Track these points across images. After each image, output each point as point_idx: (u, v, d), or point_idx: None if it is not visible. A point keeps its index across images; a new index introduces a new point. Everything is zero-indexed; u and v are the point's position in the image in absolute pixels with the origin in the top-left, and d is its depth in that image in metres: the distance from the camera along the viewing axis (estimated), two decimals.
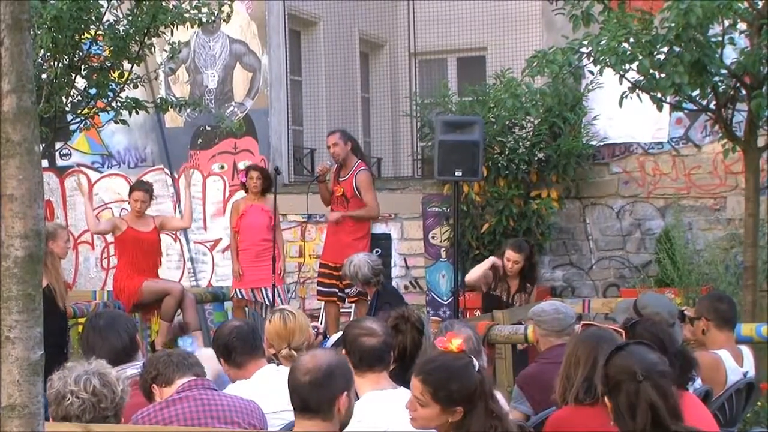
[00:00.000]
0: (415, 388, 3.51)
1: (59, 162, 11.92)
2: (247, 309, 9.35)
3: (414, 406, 3.52)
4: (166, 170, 11.60)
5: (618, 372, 3.34)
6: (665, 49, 7.32)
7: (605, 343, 3.91)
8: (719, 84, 7.63)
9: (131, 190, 9.16)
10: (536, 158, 10.11)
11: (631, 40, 7.29)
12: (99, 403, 3.52)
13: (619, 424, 3.34)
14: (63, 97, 8.46)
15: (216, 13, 8.76)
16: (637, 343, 3.50)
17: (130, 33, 8.41)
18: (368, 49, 13.31)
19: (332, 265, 8.91)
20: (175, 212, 11.31)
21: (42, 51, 7.99)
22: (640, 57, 7.24)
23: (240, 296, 9.26)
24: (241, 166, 11.09)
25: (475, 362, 3.52)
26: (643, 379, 3.27)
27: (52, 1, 7.86)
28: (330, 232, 9.32)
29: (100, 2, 8.33)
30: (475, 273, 8.02)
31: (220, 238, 11.22)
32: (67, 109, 8.83)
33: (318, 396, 3.39)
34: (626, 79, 7.57)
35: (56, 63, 8.21)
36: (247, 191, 9.45)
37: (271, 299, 9.00)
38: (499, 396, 4.29)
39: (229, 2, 8.87)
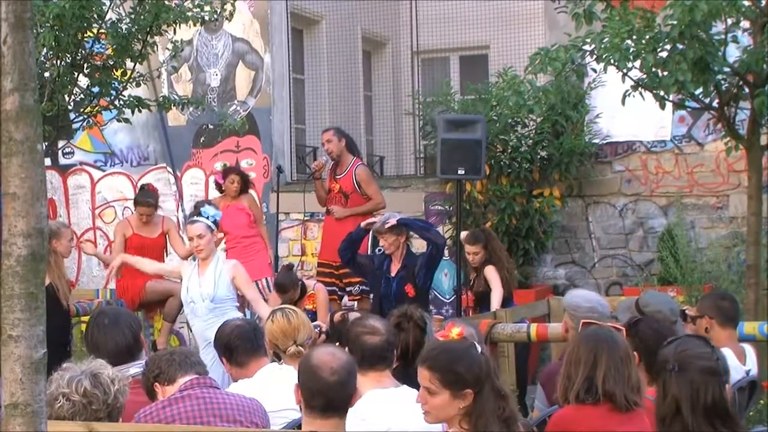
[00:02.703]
0: (423, 378, 3.49)
1: (62, 160, 11.93)
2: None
3: (425, 398, 3.49)
4: (169, 169, 11.60)
5: (660, 360, 3.35)
6: (668, 47, 7.31)
7: (605, 342, 3.90)
8: (722, 82, 7.61)
9: (136, 202, 9.11)
10: (539, 156, 10.10)
11: (634, 37, 7.28)
12: (90, 405, 3.51)
13: (657, 412, 3.34)
14: (66, 96, 8.46)
15: (218, 11, 8.76)
16: (696, 338, 3.47)
17: (132, 31, 8.41)
18: (371, 47, 13.31)
19: (332, 263, 8.89)
20: (177, 211, 11.32)
21: (44, 49, 7.99)
22: (643, 54, 7.23)
23: None
24: (244, 164, 11.08)
25: (477, 345, 3.52)
26: (672, 369, 3.25)
27: (54, 0, 7.86)
28: (328, 230, 9.28)
29: (102, 0, 8.33)
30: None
31: (222, 237, 11.21)
32: (70, 107, 8.83)
33: (343, 395, 3.41)
34: (629, 77, 7.56)
35: (59, 61, 8.21)
36: (221, 192, 9.45)
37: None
38: None
39: (231, 1, 8.86)
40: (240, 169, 9.97)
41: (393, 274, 7.66)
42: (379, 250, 8.04)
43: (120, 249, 9.05)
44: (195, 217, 7.23)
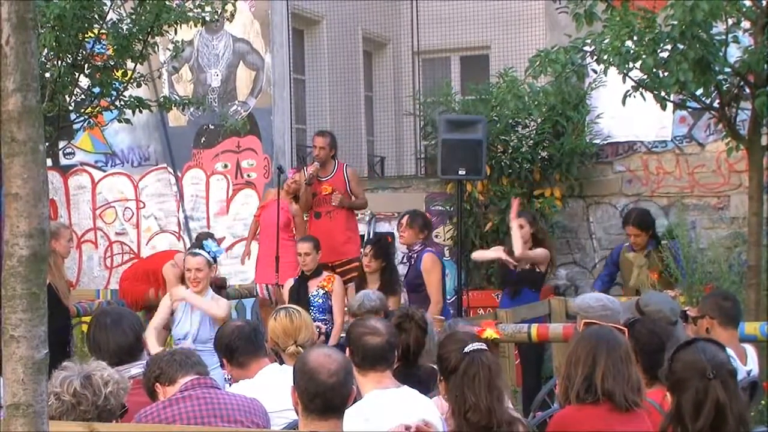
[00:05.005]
0: None
1: (63, 161, 11.93)
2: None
3: None
4: (170, 169, 11.60)
5: (686, 368, 3.26)
6: (669, 47, 7.30)
7: (605, 341, 3.89)
8: (723, 82, 7.61)
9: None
10: (539, 157, 10.10)
11: (635, 38, 7.28)
12: (78, 405, 3.50)
13: (678, 423, 3.26)
14: (66, 96, 8.46)
15: (219, 12, 8.76)
16: (707, 341, 3.42)
17: (133, 32, 8.41)
18: (371, 47, 13.31)
19: (327, 264, 8.87)
20: (178, 211, 11.33)
21: (45, 50, 7.99)
22: (644, 55, 7.23)
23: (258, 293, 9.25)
24: (245, 164, 11.15)
25: (472, 346, 3.53)
26: (713, 377, 3.18)
27: (55, 0, 7.86)
28: (317, 233, 9.26)
29: (103, 1, 8.33)
30: (481, 256, 8.71)
31: (223, 237, 11.21)
32: (71, 108, 8.83)
33: (342, 396, 3.41)
34: (629, 77, 7.56)
35: (60, 62, 8.20)
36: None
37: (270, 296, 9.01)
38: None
39: (232, 1, 8.87)
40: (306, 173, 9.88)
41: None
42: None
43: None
44: (196, 250, 7.21)
